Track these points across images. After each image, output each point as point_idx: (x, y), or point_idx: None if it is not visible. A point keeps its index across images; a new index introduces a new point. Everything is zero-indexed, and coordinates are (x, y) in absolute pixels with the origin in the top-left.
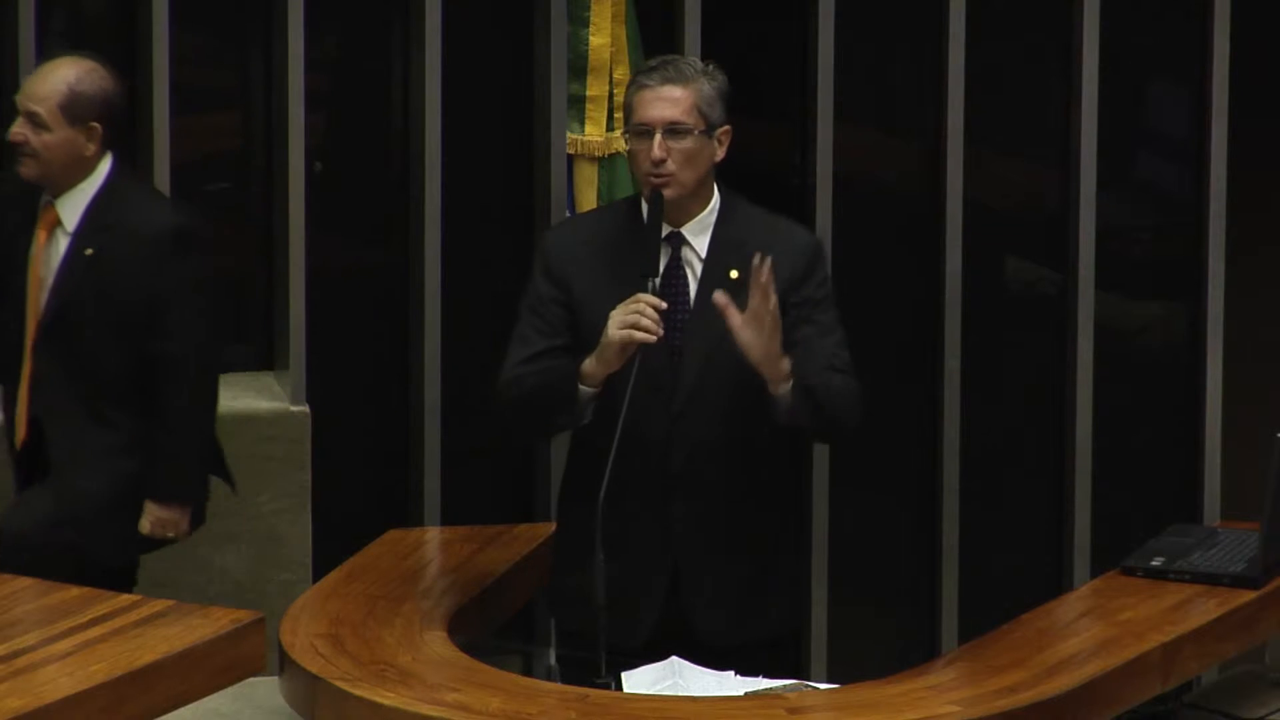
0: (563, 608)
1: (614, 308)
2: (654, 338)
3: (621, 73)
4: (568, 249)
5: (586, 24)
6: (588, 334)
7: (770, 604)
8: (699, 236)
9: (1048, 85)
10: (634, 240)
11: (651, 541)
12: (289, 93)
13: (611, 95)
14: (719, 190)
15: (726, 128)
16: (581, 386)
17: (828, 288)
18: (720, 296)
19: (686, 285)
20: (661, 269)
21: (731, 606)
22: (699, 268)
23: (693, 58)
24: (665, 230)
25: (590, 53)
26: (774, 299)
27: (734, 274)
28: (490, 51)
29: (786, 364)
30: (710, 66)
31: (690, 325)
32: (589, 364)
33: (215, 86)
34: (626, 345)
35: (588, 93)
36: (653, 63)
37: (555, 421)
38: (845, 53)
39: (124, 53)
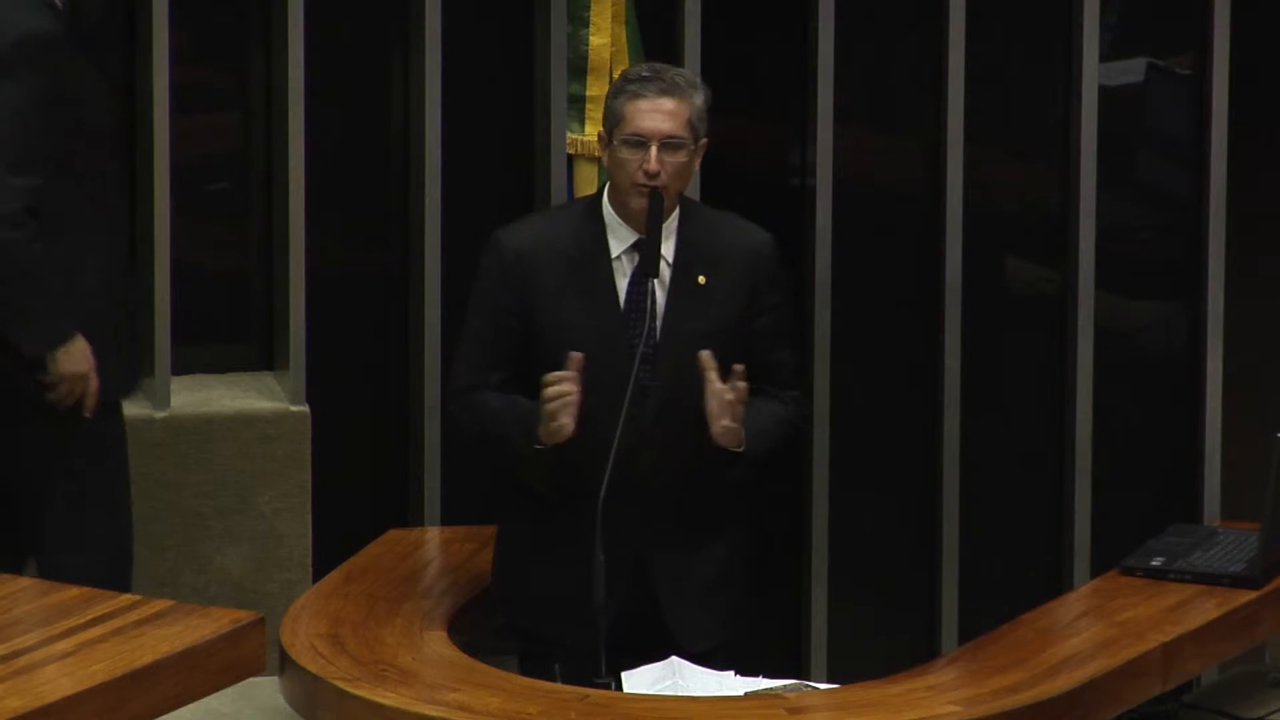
0: (517, 606)
1: (574, 315)
2: (570, 396)
3: (621, 73)
4: (527, 252)
5: (586, 24)
6: (546, 339)
7: (733, 601)
8: (665, 241)
9: (1048, 85)
10: (595, 243)
11: (611, 541)
12: (289, 93)
13: None
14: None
15: (705, 140)
16: (537, 447)
17: (785, 286)
18: (706, 356)
19: (654, 291)
20: (629, 276)
21: (694, 605)
22: (666, 273)
23: (682, 70)
24: (630, 238)
25: (590, 53)
26: (733, 389)
27: (701, 279)
28: (490, 51)
29: (741, 434)
30: (698, 79)
31: (660, 332)
32: (543, 433)
33: (215, 86)
34: (553, 416)
35: (588, 93)
36: (644, 71)
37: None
38: (845, 53)
39: (124, 53)
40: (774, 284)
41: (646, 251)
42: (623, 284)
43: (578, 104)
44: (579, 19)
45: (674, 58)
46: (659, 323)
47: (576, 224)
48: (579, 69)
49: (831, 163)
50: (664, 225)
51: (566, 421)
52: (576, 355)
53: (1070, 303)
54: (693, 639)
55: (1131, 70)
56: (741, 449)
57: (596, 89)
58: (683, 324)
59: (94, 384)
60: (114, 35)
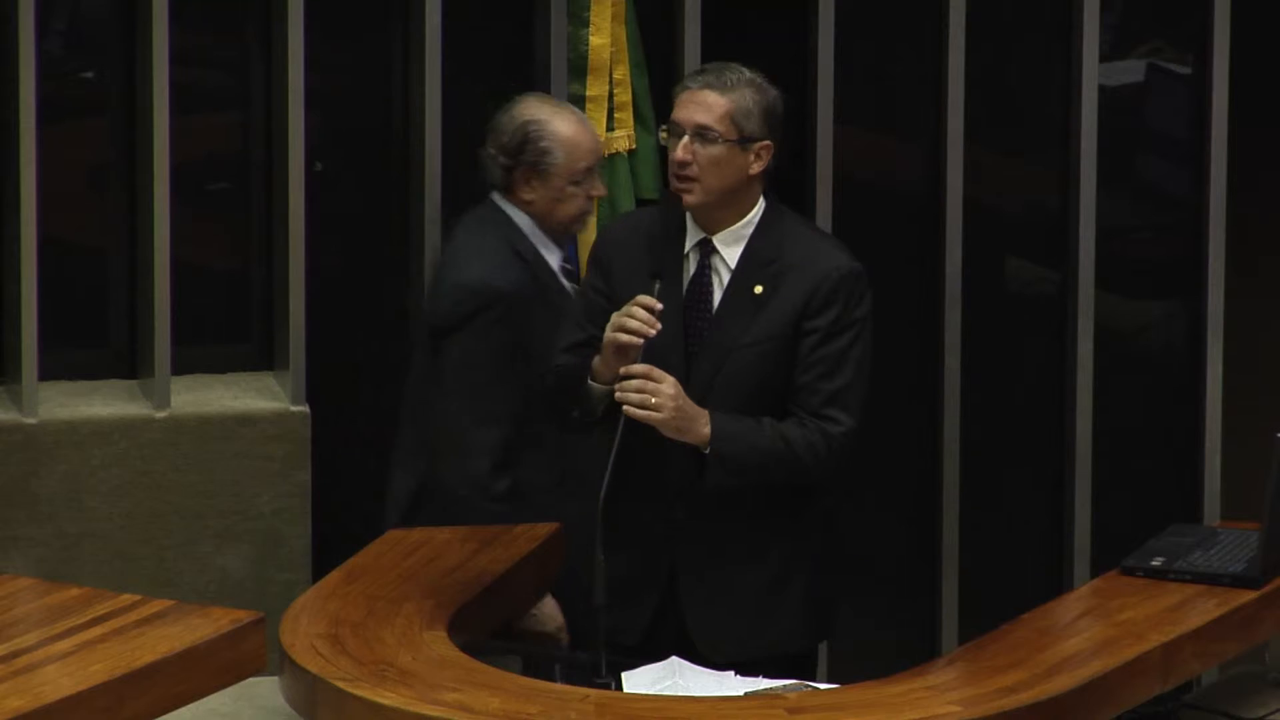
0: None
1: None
2: (640, 340)
3: (621, 73)
4: (615, 239)
5: (586, 24)
6: None
7: (777, 621)
8: (731, 247)
9: (1048, 85)
10: (676, 235)
11: (650, 545)
12: (289, 93)
13: (611, 95)
14: (765, 203)
15: (767, 143)
16: (592, 384)
17: (848, 320)
18: (638, 367)
19: (711, 293)
20: (691, 273)
21: (730, 620)
22: (726, 278)
23: (743, 68)
24: (698, 235)
25: (590, 53)
26: (669, 382)
27: (758, 289)
28: (490, 51)
29: (706, 430)
30: (762, 79)
31: (708, 334)
32: (597, 361)
33: (215, 86)
34: (619, 345)
35: (588, 93)
36: (705, 66)
37: (570, 414)
38: (845, 54)
39: (124, 53)
40: (826, 309)
41: (653, 252)
42: (687, 279)
43: (578, 104)
44: (579, 19)
45: (674, 58)
46: (707, 325)
47: (670, 215)
48: (579, 69)
49: (831, 163)
50: (732, 230)
51: (618, 359)
52: (645, 299)
53: (1070, 303)
54: (724, 649)
55: (1131, 70)
56: (706, 449)
57: (596, 89)
58: (729, 332)
59: (564, 639)
60: (114, 35)
